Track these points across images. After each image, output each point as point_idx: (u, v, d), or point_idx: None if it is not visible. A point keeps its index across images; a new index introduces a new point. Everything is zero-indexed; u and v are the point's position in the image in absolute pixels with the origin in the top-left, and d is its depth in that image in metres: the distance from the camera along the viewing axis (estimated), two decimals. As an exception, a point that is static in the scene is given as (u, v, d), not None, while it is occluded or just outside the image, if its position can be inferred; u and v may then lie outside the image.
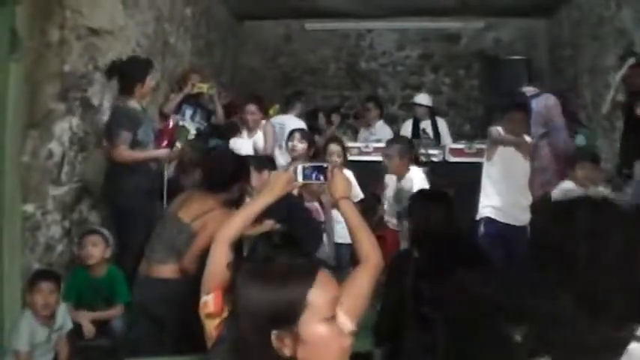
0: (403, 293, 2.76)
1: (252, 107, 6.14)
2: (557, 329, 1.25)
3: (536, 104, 5.57)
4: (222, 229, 2.37)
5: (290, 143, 5.26)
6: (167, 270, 3.61)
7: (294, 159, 5.10)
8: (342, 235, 4.58)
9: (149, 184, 4.67)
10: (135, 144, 4.54)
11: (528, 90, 5.87)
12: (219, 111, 6.52)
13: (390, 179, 5.22)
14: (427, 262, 2.77)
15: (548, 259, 1.35)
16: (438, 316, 2.04)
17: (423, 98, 7.66)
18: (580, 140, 5.91)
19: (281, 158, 5.74)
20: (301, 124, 6.24)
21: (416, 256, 2.92)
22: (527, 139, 4.99)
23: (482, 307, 1.38)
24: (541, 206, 1.62)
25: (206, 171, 3.97)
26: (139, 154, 4.58)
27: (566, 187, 4.70)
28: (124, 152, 4.48)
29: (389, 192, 5.23)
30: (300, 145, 5.17)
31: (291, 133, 5.40)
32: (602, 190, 4.76)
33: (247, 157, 4.54)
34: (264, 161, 4.69)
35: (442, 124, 7.50)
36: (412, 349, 2.52)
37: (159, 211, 4.62)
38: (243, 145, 5.82)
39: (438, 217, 3.00)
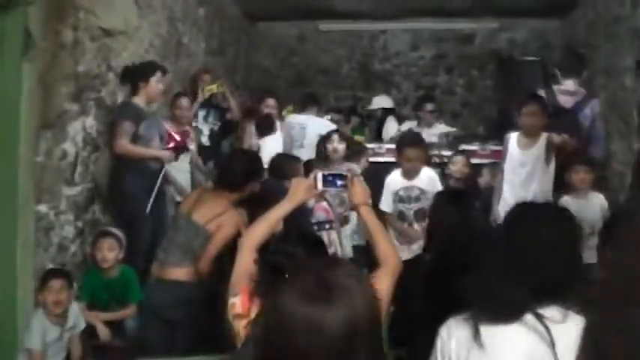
0: (414, 296, 2.76)
1: (271, 101, 6.18)
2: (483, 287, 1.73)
3: (583, 115, 5.35)
4: (247, 234, 2.48)
5: (329, 146, 5.11)
6: (182, 273, 3.61)
7: (335, 161, 5.01)
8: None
9: (150, 183, 4.70)
10: (136, 138, 4.59)
11: (568, 90, 5.50)
12: (234, 106, 6.55)
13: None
14: (439, 264, 2.78)
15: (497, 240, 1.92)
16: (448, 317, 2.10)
17: (382, 101, 7.86)
18: None
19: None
20: (325, 123, 6.20)
21: (427, 258, 2.93)
22: (544, 135, 4.81)
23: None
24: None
25: (219, 170, 3.99)
26: (140, 150, 4.63)
27: (563, 202, 4.58)
28: (126, 145, 4.53)
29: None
30: (341, 146, 5.09)
31: (328, 135, 5.28)
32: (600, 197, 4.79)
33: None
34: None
35: (391, 125, 7.52)
36: (423, 350, 2.52)
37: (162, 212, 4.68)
38: (272, 143, 5.82)
39: (453, 219, 2.99)
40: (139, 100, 4.74)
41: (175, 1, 6.24)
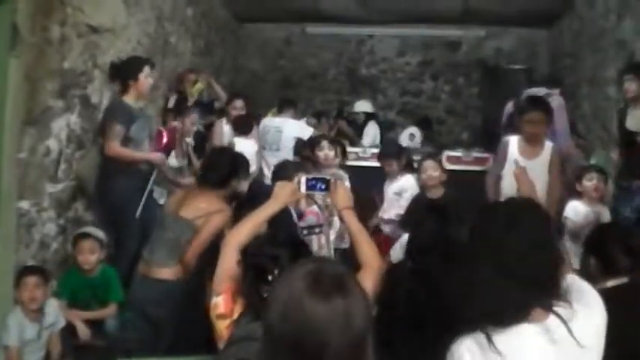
0: (396, 300, 2.78)
1: (239, 103, 6.16)
2: (479, 290, 1.69)
3: None
4: (231, 235, 2.47)
5: (320, 153, 4.98)
6: (167, 272, 3.59)
7: (326, 167, 4.91)
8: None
9: (140, 184, 4.66)
10: (127, 140, 4.53)
11: (537, 92, 5.42)
12: (221, 93, 6.64)
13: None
14: (420, 271, 2.80)
15: (478, 242, 1.80)
16: (429, 321, 2.11)
17: (363, 106, 8.03)
18: (594, 162, 5.54)
19: (273, 160, 5.57)
20: (301, 126, 6.22)
21: (410, 265, 2.94)
22: (549, 144, 4.49)
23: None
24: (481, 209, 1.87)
25: (204, 169, 4.00)
26: (131, 153, 4.57)
27: (574, 205, 4.46)
28: (118, 148, 4.47)
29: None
30: (332, 153, 4.99)
31: (317, 140, 5.17)
32: (604, 210, 4.60)
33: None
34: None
35: (372, 127, 7.74)
36: (405, 351, 2.55)
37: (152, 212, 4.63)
38: (245, 146, 5.79)
39: (431, 228, 3.00)
40: (129, 99, 4.64)
41: (164, 0, 6.23)
